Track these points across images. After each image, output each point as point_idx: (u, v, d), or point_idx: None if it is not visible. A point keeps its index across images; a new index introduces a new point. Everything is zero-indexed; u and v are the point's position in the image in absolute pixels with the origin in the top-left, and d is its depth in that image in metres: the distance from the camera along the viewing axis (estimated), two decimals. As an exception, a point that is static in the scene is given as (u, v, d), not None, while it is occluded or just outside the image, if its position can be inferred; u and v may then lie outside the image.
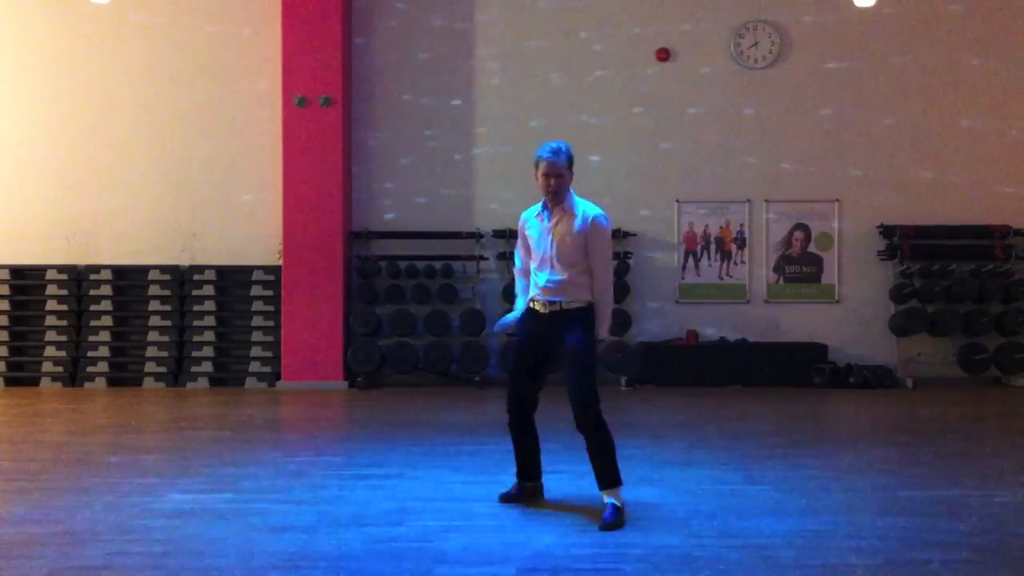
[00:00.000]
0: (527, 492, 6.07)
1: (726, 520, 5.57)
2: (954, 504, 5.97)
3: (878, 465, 7.36)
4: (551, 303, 5.79)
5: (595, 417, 5.64)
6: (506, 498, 6.03)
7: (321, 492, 6.28)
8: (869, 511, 5.83)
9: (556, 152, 5.78)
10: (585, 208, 5.83)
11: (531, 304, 5.89)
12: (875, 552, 4.97)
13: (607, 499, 5.61)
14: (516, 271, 6.16)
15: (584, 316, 5.77)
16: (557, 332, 5.77)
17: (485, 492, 6.18)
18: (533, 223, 5.93)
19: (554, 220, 5.81)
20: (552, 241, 5.78)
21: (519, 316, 5.99)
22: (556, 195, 5.77)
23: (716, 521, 5.55)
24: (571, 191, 5.87)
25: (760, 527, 5.42)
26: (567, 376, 5.69)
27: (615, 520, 5.48)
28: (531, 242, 5.92)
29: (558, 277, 5.76)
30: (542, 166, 5.79)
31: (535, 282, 5.87)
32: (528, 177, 12.99)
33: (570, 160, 5.82)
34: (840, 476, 6.83)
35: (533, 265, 5.91)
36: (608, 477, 5.65)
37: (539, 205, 5.93)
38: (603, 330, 5.80)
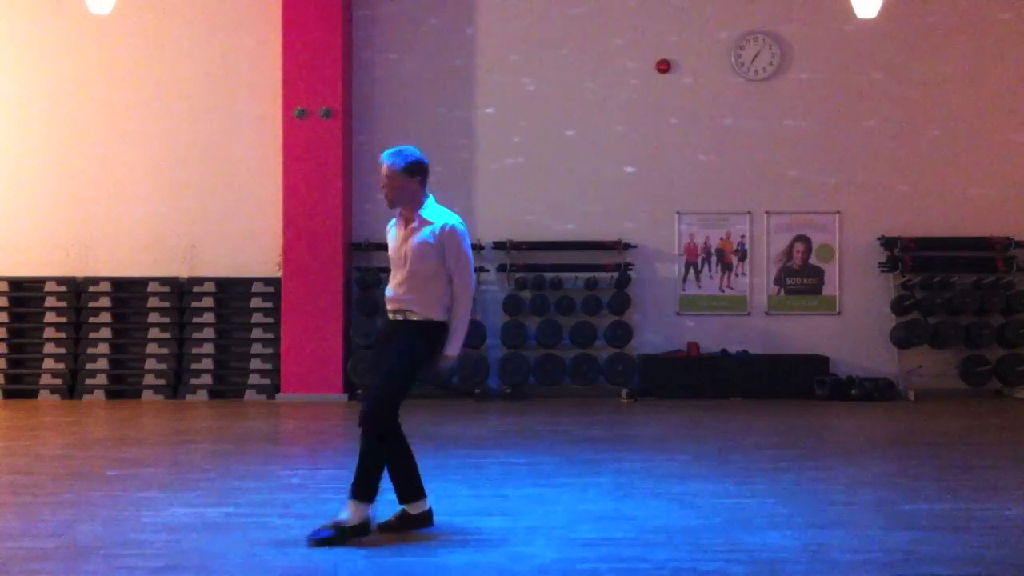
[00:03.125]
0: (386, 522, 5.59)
1: (731, 534, 5.53)
2: (959, 517, 5.93)
3: (882, 478, 7.33)
4: (395, 312, 5.62)
5: (382, 423, 5.38)
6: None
7: (322, 506, 6.23)
8: (874, 525, 5.79)
9: (391, 155, 5.63)
10: (443, 217, 5.65)
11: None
12: (881, 566, 4.93)
13: (346, 514, 5.33)
14: None
15: (421, 331, 5.52)
16: (395, 337, 5.56)
17: (487, 506, 6.14)
18: (392, 231, 5.82)
19: (408, 229, 5.66)
20: (406, 251, 5.63)
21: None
22: (389, 201, 5.67)
23: (721, 535, 5.51)
24: (429, 198, 5.71)
25: (766, 541, 5.38)
26: (379, 374, 5.47)
27: (331, 537, 5.25)
28: (390, 250, 5.79)
29: (406, 287, 5.60)
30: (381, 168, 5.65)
31: (387, 290, 5.72)
32: (529, 188, 12.92)
33: (409, 167, 5.60)
34: (844, 489, 6.79)
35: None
36: (360, 487, 5.36)
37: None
38: (454, 348, 5.52)
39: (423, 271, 5.57)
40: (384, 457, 5.46)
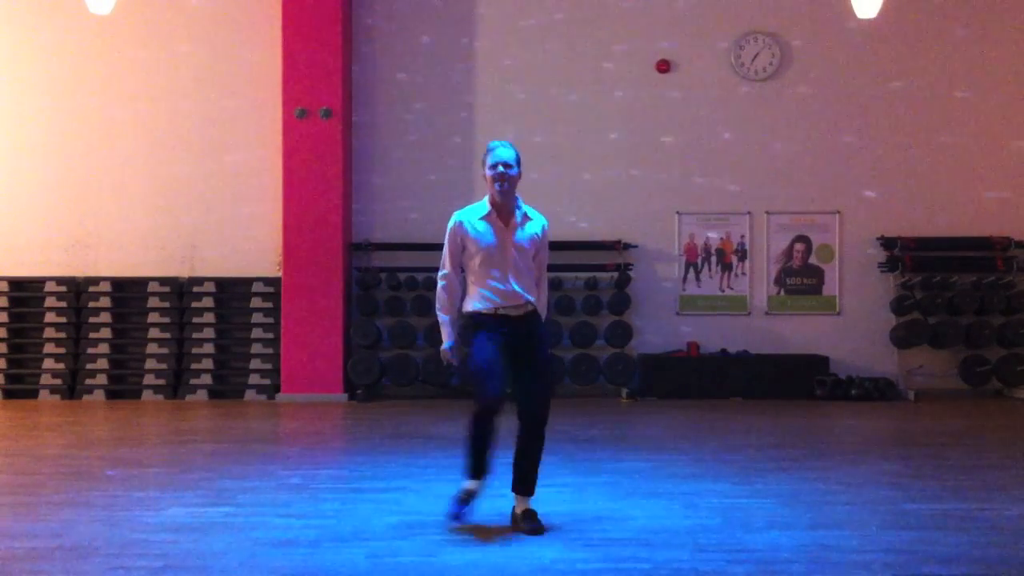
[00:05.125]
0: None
1: (732, 534, 5.53)
2: (960, 517, 5.93)
3: (882, 478, 7.33)
4: (523, 306, 5.65)
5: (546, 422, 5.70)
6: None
7: (322, 506, 6.24)
8: (875, 525, 5.78)
9: (507, 145, 5.75)
10: (539, 215, 5.82)
11: (494, 312, 5.62)
12: (882, 566, 4.93)
13: (531, 504, 5.70)
14: (447, 284, 5.77)
15: (541, 321, 5.81)
16: (531, 334, 5.67)
17: (488, 506, 6.12)
18: (481, 225, 5.69)
19: (512, 224, 5.67)
20: (514, 244, 5.64)
21: (478, 331, 5.69)
22: (509, 189, 5.64)
23: (722, 535, 5.51)
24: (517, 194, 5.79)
25: (766, 541, 5.38)
26: (538, 380, 5.63)
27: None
28: (477, 246, 5.64)
29: (526, 280, 5.66)
30: (491, 156, 5.69)
31: (492, 290, 5.62)
32: (528, 188, 12.95)
33: (520, 161, 5.75)
34: (844, 489, 6.78)
35: (482, 271, 5.63)
36: (534, 483, 5.74)
37: (479, 207, 5.76)
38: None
39: (529, 265, 5.71)
40: None
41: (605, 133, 12.58)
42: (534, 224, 5.76)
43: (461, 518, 5.70)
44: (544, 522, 5.63)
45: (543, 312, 5.83)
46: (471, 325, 5.69)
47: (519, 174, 5.72)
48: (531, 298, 5.67)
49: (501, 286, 5.62)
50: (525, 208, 5.77)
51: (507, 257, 5.63)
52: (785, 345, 12.41)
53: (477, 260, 5.66)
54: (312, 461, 8.14)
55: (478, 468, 5.71)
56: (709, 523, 5.78)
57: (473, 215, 5.73)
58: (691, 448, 8.51)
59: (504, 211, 5.69)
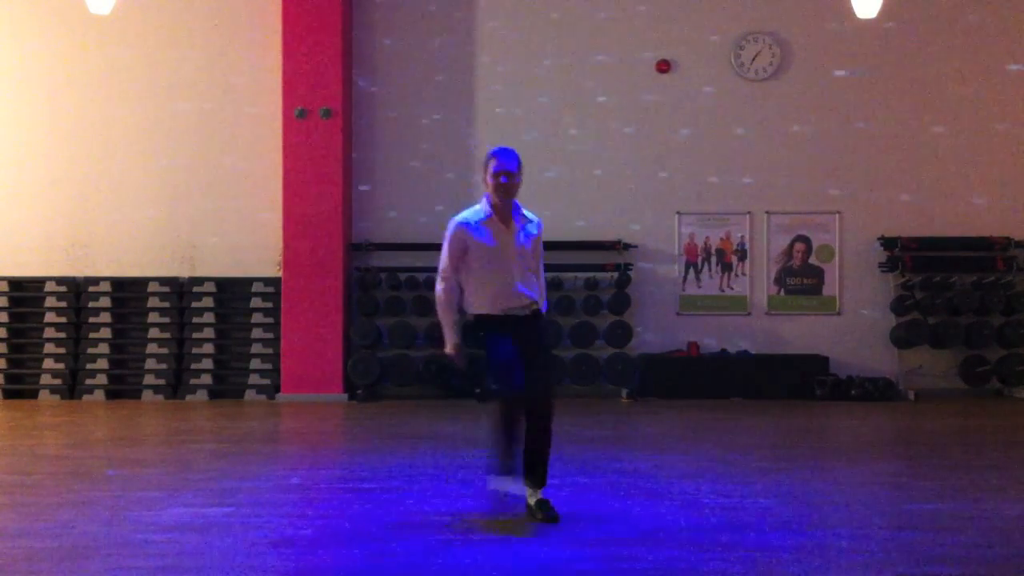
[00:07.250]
0: None
1: (732, 534, 5.52)
2: (960, 517, 5.92)
3: (882, 478, 7.33)
4: (525, 307, 5.88)
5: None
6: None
7: (322, 506, 6.25)
8: (875, 525, 5.78)
9: (509, 153, 5.91)
10: (532, 215, 6.05)
11: (503, 313, 5.85)
12: (883, 566, 4.93)
13: (542, 494, 5.87)
14: (448, 286, 5.96)
15: (547, 320, 6.04)
16: (535, 332, 5.91)
17: (487, 505, 6.13)
18: (484, 229, 5.88)
19: (513, 225, 5.89)
20: (518, 247, 5.87)
21: (490, 332, 5.90)
22: (509, 195, 5.85)
23: (722, 535, 5.50)
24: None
25: (766, 541, 5.37)
26: (542, 377, 5.85)
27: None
28: (482, 249, 5.85)
29: (530, 281, 5.90)
30: (493, 164, 5.86)
31: (499, 292, 5.82)
32: (528, 188, 12.94)
33: (520, 165, 5.93)
34: (844, 489, 6.79)
35: (487, 274, 5.84)
36: (544, 476, 5.91)
37: (479, 211, 5.92)
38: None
39: (530, 265, 5.93)
40: None
41: (605, 133, 12.58)
42: (532, 225, 6.02)
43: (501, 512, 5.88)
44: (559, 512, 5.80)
45: (543, 304, 6.05)
46: (480, 327, 5.90)
47: (520, 181, 5.93)
48: (535, 297, 5.93)
49: (508, 288, 5.84)
50: (523, 210, 6.01)
51: (511, 259, 5.85)
52: (785, 345, 12.41)
53: (481, 263, 5.85)
54: (312, 461, 8.14)
55: (511, 464, 5.86)
56: (709, 523, 5.77)
57: (475, 219, 5.91)
58: (691, 448, 8.52)
59: (504, 215, 5.90)
